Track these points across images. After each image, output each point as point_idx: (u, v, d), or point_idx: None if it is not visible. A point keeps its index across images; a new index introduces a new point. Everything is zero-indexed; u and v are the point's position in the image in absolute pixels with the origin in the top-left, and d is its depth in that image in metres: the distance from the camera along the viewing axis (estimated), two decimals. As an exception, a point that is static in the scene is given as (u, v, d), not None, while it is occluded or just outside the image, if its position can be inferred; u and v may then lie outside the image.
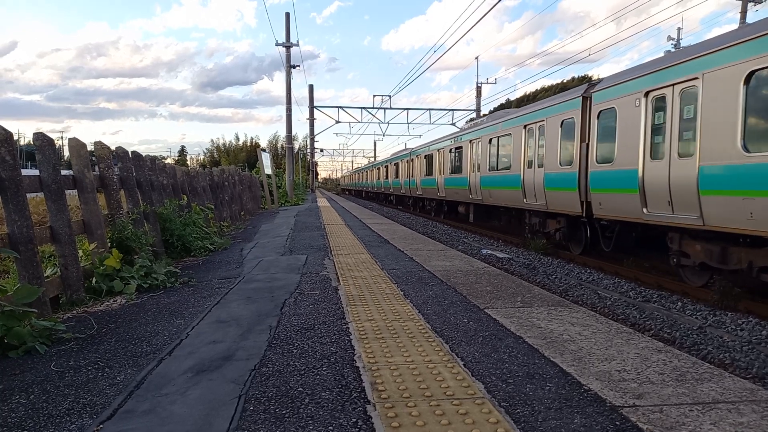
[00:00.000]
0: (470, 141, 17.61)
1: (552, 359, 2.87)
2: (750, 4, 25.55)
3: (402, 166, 31.07)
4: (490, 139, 15.69)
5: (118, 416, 2.24)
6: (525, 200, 12.93)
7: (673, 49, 27.73)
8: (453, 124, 40.08)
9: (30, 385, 2.62)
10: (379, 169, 43.53)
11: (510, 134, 14.06)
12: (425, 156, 24.48)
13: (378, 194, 45.68)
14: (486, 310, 3.99)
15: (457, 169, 19.08)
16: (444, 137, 22.46)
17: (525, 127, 13.08)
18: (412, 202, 29.71)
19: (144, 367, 2.83)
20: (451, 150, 20.00)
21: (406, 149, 33.65)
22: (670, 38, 32.52)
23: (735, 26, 21.27)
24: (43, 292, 3.77)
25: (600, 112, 9.82)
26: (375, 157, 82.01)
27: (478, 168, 16.49)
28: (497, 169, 14.96)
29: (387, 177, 37.77)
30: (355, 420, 2.16)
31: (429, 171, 23.66)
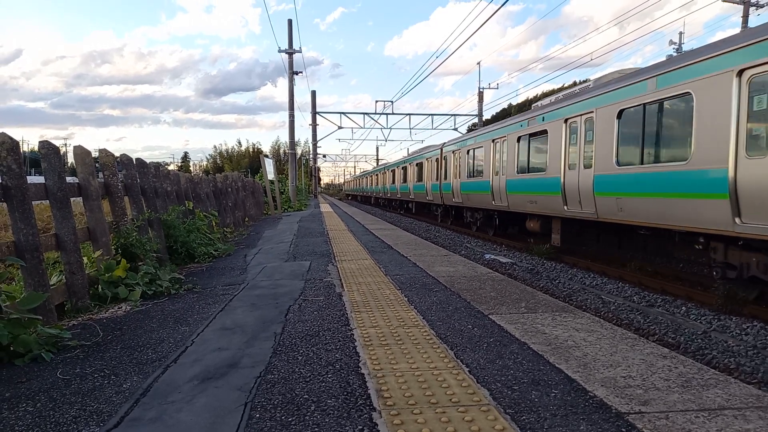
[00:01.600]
0: (565, 120, 11.10)
1: (557, 365, 2.86)
2: (752, 9, 25.62)
3: (428, 166, 24.50)
4: (621, 111, 9.21)
5: (125, 424, 2.25)
6: (739, 220, 6.71)
7: (675, 54, 27.77)
8: (455, 129, 40.15)
9: (36, 393, 2.63)
10: (393, 171, 35.60)
11: (688, 94, 7.62)
12: (470, 150, 17.75)
13: (391, 201, 39.05)
14: (490, 316, 3.99)
15: (533, 166, 12.91)
16: (508, 120, 15.30)
17: (743, 75, 6.71)
18: (443, 211, 23.22)
19: (150, 375, 2.84)
20: (521, 138, 13.49)
21: (432, 145, 26.44)
22: (672, 42, 32.58)
23: (738, 30, 21.30)
24: (48, 299, 3.79)
25: None
26: (377, 161, 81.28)
27: (590, 162, 10.16)
28: (643, 163, 8.68)
29: (405, 180, 30.64)
30: (361, 427, 2.17)
31: (476, 171, 17.24)
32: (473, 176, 17.50)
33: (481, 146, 16.70)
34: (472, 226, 18.70)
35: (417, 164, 27.14)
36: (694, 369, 2.79)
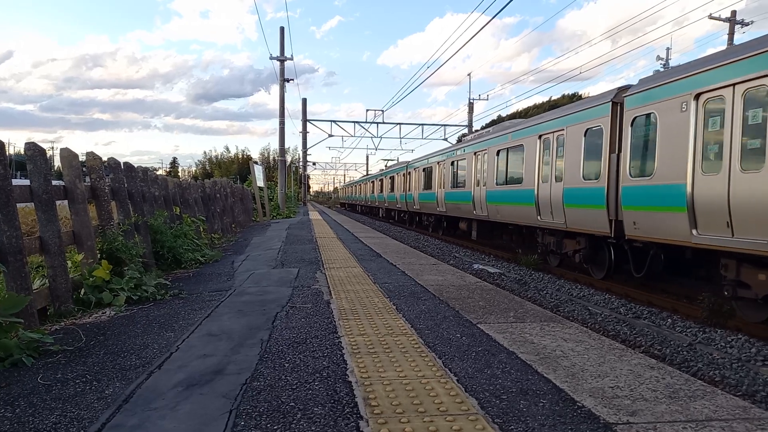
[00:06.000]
0: None
1: (545, 375, 2.86)
2: (737, 26, 26.15)
3: (529, 153, 12.16)
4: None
5: (107, 431, 2.20)
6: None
7: (662, 69, 28.20)
8: (445, 139, 40.35)
9: (16, 399, 2.57)
10: (428, 171, 22.52)
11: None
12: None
13: (414, 216, 26.60)
14: (479, 325, 3.98)
15: None
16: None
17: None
18: (588, 253, 10.28)
19: (133, 381, 2.78)
20: None
21: (516, 121, 15.65)
22: (659, 58, 33.06)
23: (724, 47, 21.64)
24: (30, 303, 3.72)
25: None
26: (368, 171, 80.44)
27: None
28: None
29: (455, 184, 18.44)
30: (347, 436, 2.14)
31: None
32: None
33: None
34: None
35: (499, 151, 14.27)
36: (681, 380, 2.80)
